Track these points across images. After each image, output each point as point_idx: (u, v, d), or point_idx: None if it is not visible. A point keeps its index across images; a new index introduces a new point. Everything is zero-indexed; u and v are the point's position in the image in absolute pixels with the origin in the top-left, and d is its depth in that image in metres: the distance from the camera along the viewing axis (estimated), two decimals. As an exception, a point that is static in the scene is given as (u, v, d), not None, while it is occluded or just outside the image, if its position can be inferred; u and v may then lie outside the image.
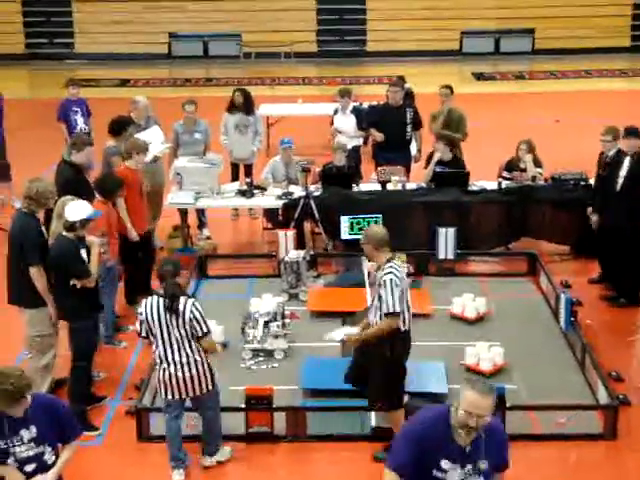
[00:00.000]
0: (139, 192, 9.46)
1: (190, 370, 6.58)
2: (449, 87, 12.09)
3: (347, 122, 12.30)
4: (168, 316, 6.50)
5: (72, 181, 8.57)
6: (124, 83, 21.51)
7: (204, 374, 6.66)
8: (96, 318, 7.65)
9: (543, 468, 6.82)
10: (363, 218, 10.36)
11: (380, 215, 10.37)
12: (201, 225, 11.60)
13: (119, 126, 10.28)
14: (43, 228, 7.53)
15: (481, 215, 10.84)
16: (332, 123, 12.65)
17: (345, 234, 10.45)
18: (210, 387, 6.74)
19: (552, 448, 7.12)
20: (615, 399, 7.33)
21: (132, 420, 7.37)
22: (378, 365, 6.76)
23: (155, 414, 7.35)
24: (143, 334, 6.66)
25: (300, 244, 10.45)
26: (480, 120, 14.27)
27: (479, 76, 21.91)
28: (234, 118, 11.92)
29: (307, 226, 10.84)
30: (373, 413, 7.34)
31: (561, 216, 10.74)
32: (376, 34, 23.82)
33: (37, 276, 7.35)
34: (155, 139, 10.78)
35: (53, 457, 5.09)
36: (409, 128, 11.57)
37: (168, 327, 6.52)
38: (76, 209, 7.26)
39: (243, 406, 7.26)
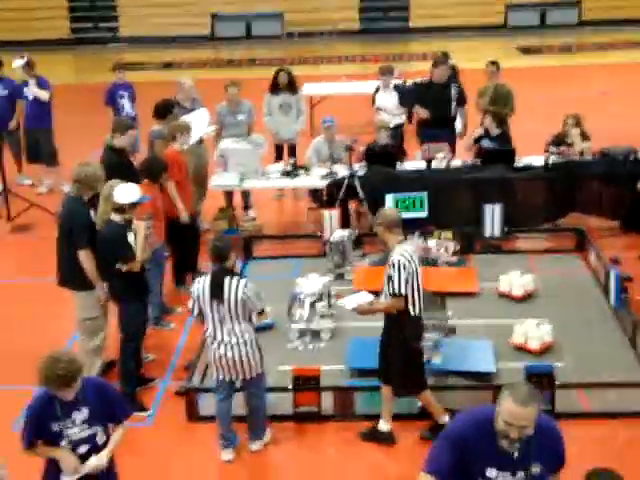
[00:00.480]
0: (185, 174, 9.54)
1: (240, 351, 6.63)
2: (495, 63, 11.95)
3: (389, 100, 12.23)
4: (215, 299, 6.56)
5: (116, 165, 8.64)
6: (168, 66, 21.62)
7: (253, 357, 6.70)
8: (145, 301, 7.72)
9: (593, 447, 6.74)
10: (408, 197, 10.32)
11: (425, 193, 10.32)
12: (246, 206, 11.64)
13: (164, 109, 10.35)
14: (92, 212, 7.61)
15: (528, 192, 10.71)
16: (374, 101, 12.58)
17: (390, 213, 10.39)
18: (259, 371, 6.79)
19: (601, 426, 7.04)
20: (667, 376, 7.22)
21: (182, 401, 7.44)
22: (395, 350, 6.78)
23: (204, 394, 7.42)
24: (195, 312, 6.72)
25: (345, 223, 10.43)
26: (526, 95, 14.07)
27: (525, 50, 21.62)
28: (277, 98, 11.91)
29: (352, 205, 10.81)
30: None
31: (610, 191, 10.57)
32: (419, 10, 23.64)
33: (86, 259, 7.44)
34: (201, 121, 10.85)
35: (104, 438, 5.17)
36: (454, 105, 11.46)
37: (218, 307, 6.58)
38: (125, 192, 7.33)
39: (291, 386, 7.29)
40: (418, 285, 6.66)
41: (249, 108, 11.60)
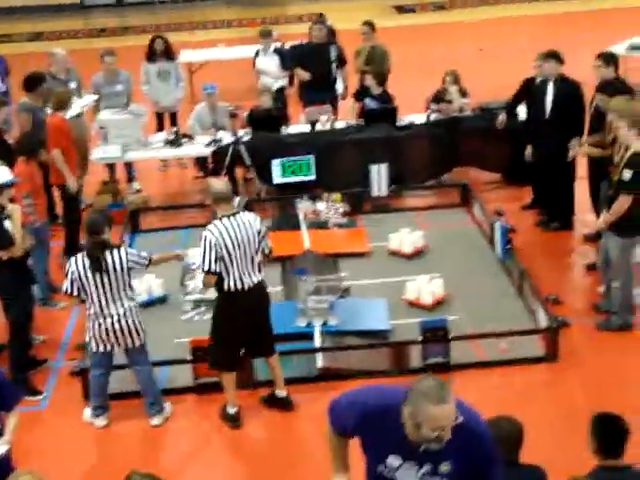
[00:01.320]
0: (71, 142, 9.35)
1: (127, 320, 6.59)
2: (370, 24, 11.97)
3: (270, 63, 12.14)
4: (97, 273, 6.45)
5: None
6: (38, 37, 20.83)
7: (139, 325, 6.69)
8: (29, 289, 7.45)
9: (491, 394, 6.92)
10: (294, 161, 10.30)
11: (311, 156, 10.31)
12: (130, 179, 11.38)
13: (33, 82, 9.99)
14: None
15: (412, 149, 10.82)
16: (254, 65, 12.45)
17: (277, 178, 10.38)
18: (143, 341, 6.76)
19: (497, 374, 7.24)
20: (554, 321, 7.47)
21: (77, 381, 7.25)
22: (211, 324, 6.81)
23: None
24: (75, 293, 6.57)
25: (233, 191, 10.30)
26: (404, 54, 14.20)
27: (399, 9, 21.78)
28: (155, 66, 11.65)
29: (239, 172, 10.71)
30: (320, 355, 7.38)
31: (490, 144, 10.76)
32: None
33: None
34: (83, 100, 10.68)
35: None
36: (334, 66, 11.46)
37: (103, 281, 6.47)
38: None
39: (189, 358, 7.20)
40: (232, 259, 6.41)
41: (127, 77, 11.32)
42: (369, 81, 11.10)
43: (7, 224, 7.08)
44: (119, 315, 6.57)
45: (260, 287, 6.62)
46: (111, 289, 6.53)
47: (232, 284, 6.48)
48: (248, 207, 10.05)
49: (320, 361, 7.34)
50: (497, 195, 10.57)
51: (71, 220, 9.40)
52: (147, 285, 8.53)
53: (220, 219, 6.44)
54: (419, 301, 8.18)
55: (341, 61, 11.59)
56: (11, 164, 8.14)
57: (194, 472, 6.38)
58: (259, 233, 6.53)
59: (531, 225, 9.82)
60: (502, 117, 10.35)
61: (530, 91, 9.79)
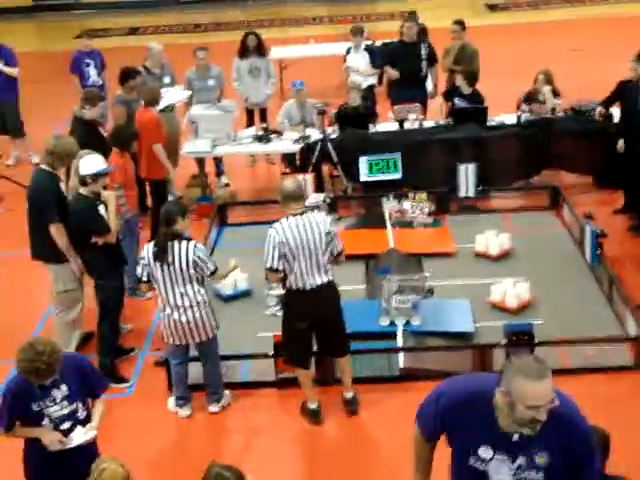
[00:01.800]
0: (164, 136, 9.61)
1: (194, 314, 6.67)
2: (460, 22, 11.87)
3: (360, 60, 12.13)
4: (161, 263, 6.58)
5: (86, 138, 8.50)
6: (133, 31, 21.28)
7: (208, 319, 6.75)
8: (121, 273, 7.64)
9: (576, 402, 6.78)
10: (382, 159, 10.27)
11: (399, 154, 10.27)
12: (219, 173, 11.53)
13: (127, 75, 10.25)
14: (62, 185, 7.49)
15: (501, 150, 10.68)
16: (345, 62, 12.47)
17: (364, 175, 10.37)
18: (212, 334, 6.84)
19: (583, 382, 7.09)
20: (644, 330, 7.28)
21: (161, 370, 7.39)
22: (282, 322, 6.81)
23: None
24: (144, 278, 6.73)
25: (319, 187, 10.38)
26: (496, 53, 14.03)
27: (492, 7, 21.50)
28: (246, 62, 11.77)
29: (325, 169, 10.74)
30: (401, 355, 7.35)
31: (582, 147, 10.56)
32: (386, -31, 23.37)
33: (57, 233, 7.33)
34: (176, 94, 10.88)
35: (85, 412, 5.12)
36: (424, 64, 11.38)
37: (169, 271, 6.59)
38: (87, 163, 7.21)
39: (271, 353, 7.26)
40: (295, 258, 6.39)
41: (218, 72, 11.48)
42: (459, 81, 11.01)
43: (103, 210, 7.27)
44: (184, 307, 6.65)
45: (326, 288, 6.54)
46: (176, 280, 6.61)
47: (295, 283, 6.50)
48: (334, 204, 10.12)
49: (402, 361, 7.31)
50: (587, 199, 10.36)
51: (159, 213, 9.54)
52: (232, 279, 8.63)
53: (287, 217, 6.46)
54: (504, 304, 8.07)
55: (431, 60, 11.50)
56: (105, 156, 8.34)
57: (271, 466, 6.41)
58: (328, 234, 6.47)
59: (622, 230, 9.59)
60: (600, 109, 10.08)
61: (624, 93, 9.56)
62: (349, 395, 6.94)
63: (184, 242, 6.63)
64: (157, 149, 9.40)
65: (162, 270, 6.61)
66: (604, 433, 4.50)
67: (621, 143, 9.60)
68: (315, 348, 6.88)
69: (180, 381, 7.01)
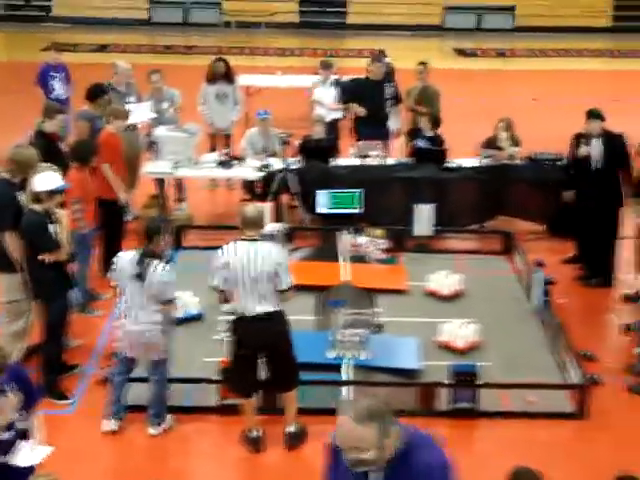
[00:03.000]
0: (120, 156, 9.51)
1: (150, 332, 6.69)
2: (424, 63, 12.08)
3: (327, 94, 12.26)
4: (137, 278, 6.64)
5: (45, 150, 8.45)
6: (102, 48, 21.27)
7: (160, 340, 6.76)
8: (68, 290, 7.57)
9: (513, 446, 6.87)
10: (341, 192, 10.35)
11: (358, 190, 10.37)
12: (180, 199, 11.50)
13: (95, 92, 10.26)
14: (21, 195, 7.44)
15: (458, 192, 10.85)
16: (311, 95, 12.59)
17: (322, 208, 10.43)
18: (163, 356, 6.85)
19: (523, 426, 7.18)
20: (586, 379, 7.39)
21: (105, 388, 7.33)
22: None
23: (129, 383, 7.34)
24: (113, 283, 6.81)
25: (277, 217, 10.42)
26: (461, 97, 14.26)
27: (460, 52, 21.88)
28: (214, 88, 11.84)
29: (285, 199, 10.80)
30: (345, 388, 7.38)
31: (537, 195, 10.77)
32: (358, 6, 23.72)
33: (9, 242, 7.28)
34: (141, 112, 10.86)
35: (24, 424, 5.06)
36: (389, 103, 11.55)
37: (137, 285, 6.65)
38: (43, 180, 7.17)
39: (216, 378, 7.25)
40: (238, 283, 6.43)
41: (172, 95, 11.49)
42: (423, 123, 11.16)
43: (52, 228, 7.22)
44: (142, 322, 6.69)
45: (268, 318, 6.50)
46: (142, 296, 6.66)
47: (237, 308, 6.55)
48: (291, 234, 10.16)
49: (346, 394, 7.34)
50: (539, 246, 10.52)
51: (112, 231, 9.49)
52: (183, 302, 8.61)
53: (236, 241, 6.52)
54: (452, 344, 8.16)
55: (396, 99, 11.68)
56: (64, 170, 8.32)
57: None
58: (278, 264, 6.45)
59: (571, 279, 9.77)
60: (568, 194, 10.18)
61: (577, 146, 9.82)
62: (290, 429, 6.93)
63: (157, 261, 6.67)
64: (104, 169, 9.29)
65: (131, 282, 6.65)
66: (538, 477, 4.56)
67: (567, 194, 9.85)
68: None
69: (116, 393, 6.98)
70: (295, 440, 6.91)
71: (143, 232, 6.79)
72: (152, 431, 6.99)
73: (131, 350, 6.82)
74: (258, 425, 6.88)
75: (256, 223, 6.58)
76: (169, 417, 7.10)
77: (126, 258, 6.74)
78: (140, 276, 6.63)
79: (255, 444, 6.83)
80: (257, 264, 6.40)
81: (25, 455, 4.98)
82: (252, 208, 6.76)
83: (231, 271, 6.44)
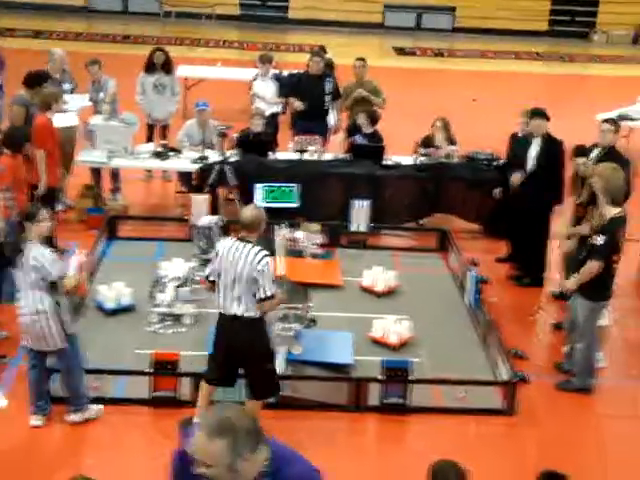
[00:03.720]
0: (56, 143, 9.36)
1: (36, 322, 6.54)
2: (362, 59, 12.11)
3: (267, 88, 12.22)
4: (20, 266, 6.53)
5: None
6: (38, 35, 20.86)
7: (50, 329, 6.56)
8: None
9: (444, 440, 6.95)
10: (278, 186, 10.33)
11: (295, 184, 10.36)
12: (115, 189, 11.35)
13: (36, 79, 10.03)
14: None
15: (395, 189, 10.91)
16: (251, 88, 12.54)
17: (259, 201, 10.39)
18: (60, 346, 6.65)
19: (453, 421, 7.27)
20: (514, 376, 7.51)
21: (32, 380, 7.20)
22: None
23: (55, 375, 7.23)
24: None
25: (213, 210, 10.36)
26: (399, 95, 14.34)
27: (400, 50, 22.01)
28: (152, 78, 11.71)
29: (221, 192, 10.74)
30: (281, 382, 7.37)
31: (473, 195, 10.89)
32: (299, 1, 23.68)
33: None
34: (77, 102, 10.74)
35: None
36: (328, 98, 11.57)
37: (21, 274, 6.54)
38: None
39: (149, 370, 7.18)
40: (221, 278, 6.43)
41: (108, 85, 11.32)
42: (361, 119, 11.18)
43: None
44: (27, 313, 6.55)
45: (238, 321, 6.43)
46: (24, 284, 6.54)
47: (218, 302, 6.54)
48: (227, 227, 10.11)
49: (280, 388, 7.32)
50: (474, 245, 10.66)
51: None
52: (116, 293, 8.52)
53: (232, 238, 6.56)
54: (385, 340, 8.21)
55: (335, 94, 11.69)
56: (-5, 157, 8.17)
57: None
58: (258, 272, 6.32)
59: (503, 278, 9.91)
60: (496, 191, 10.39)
61: (513, 146, 9.96)
62: None
63: (32, 247, 6.49)
64: (39, 155, 9.12)
65: (17, 272, 6.56)
66: (462, 470, 4.62)
67: (496, 190, 10.10)
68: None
69: (33, 387, 6.84)
70: None
71: (23, 218, 6.68)
72: (71, 417, 6.86)
73: (28, 341, 6.67)
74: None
75: (251, 225, 6.47)
76: (95, 408, 6.97)
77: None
78: (18, 265, 6.52)
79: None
80: (239, 266, 6.33)
81: None
82: (250, 211, 6.65)
83: (217, 265, 6.44)
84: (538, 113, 9.46)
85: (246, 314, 6.42)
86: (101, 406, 7.03)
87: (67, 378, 6.83)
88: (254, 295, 6.36)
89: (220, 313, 6.56)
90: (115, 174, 11.25)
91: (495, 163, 10.93)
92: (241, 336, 6.49)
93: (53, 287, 6.56)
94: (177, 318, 8.39)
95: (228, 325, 6.50)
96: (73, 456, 6.57)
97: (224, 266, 6.39)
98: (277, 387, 6.84)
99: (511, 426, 7.31)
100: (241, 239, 6.45)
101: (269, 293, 6.38)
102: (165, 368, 7.17)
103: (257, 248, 6.41)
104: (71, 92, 11.11)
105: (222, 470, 3.24)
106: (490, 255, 10.32)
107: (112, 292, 8.52)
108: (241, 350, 6.54)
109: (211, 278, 6.55)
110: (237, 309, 6.42)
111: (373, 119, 11.31)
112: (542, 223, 9.48)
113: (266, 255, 6.38)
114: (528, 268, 9.82)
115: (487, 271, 9.75)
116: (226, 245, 6.46)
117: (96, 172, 11.00)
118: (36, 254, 6.45)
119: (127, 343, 7.94)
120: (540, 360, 8.34)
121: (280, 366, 7.53)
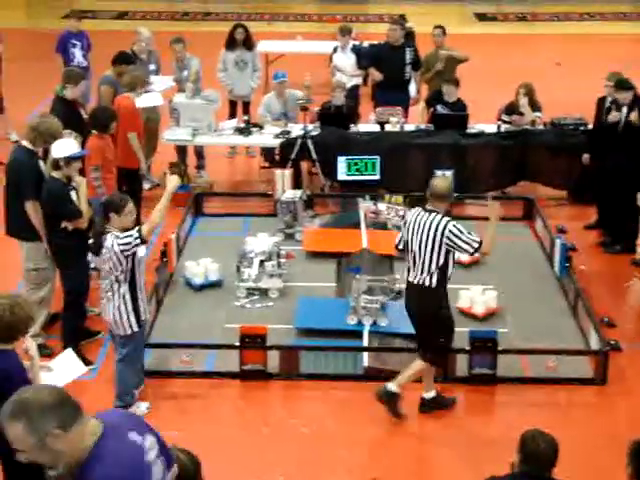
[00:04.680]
0: (142, 124, 9.55)
1: (112, 307, 6.54)
2: (441, 27, 11.95)
3: (347, 60, 12.17)
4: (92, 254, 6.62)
5: (65, 117, 8.47)
6: (122, 16, 21.19)
7: (121, 316, 6.55)
8: (88, 260, 7.61)
9: (533, 411, 6.90)
10: (361, 159, 10.32)
11: (377, 156, 10.33)
12: (199, 166, 11.51)
13: (122, 60, 10.22)
14: (42, 163, 7.48)
15: (479, 158, 10.78)
16: (331, 61, 12.52)
17: (342, 174, 10.41)
18: (128, 332, 6.62)
19: (543, 392, 7.20)
20: (606, 344, 7.38)
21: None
22: None
23: (148, 350, 7.42)
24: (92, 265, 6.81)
25: (297, 184, 10.41)
26: (481, 62, 14.12)
27: (481, 16, 21.63)
28: (233, 54, 11.78)
29: (304, 166, 10.80)
30: (365, 354, 7.41)
31: (559, 161, 10.68)
32: (378, -29, 23.43)
33: (32, 211, 7.32)
34: (163, 83, 10.90)
35: None
36: (408, 68, 11.45)
37: (99, 262, 6.58)
38: (60, 147, 7.20)
39: (237, 344, 7.30)
40: (406, 247, 6.63)
41: (192, 63, 11.43)
42: (445, 87, 11.03)
43: (74, 195, 7.26)
44: (107, 298, 6.55)
45: (415, 289, 6.60)
46: (102, 271, 6.57)
47: (406, 269, 6.70)
48: (310, 201, 10.16)
49: (366, 360, 7.37)
50: (561, 212, 10.48)
51: (131, 199, 9.48)
52: (204, 269, 8.67)
53: (419, 207, 6.63)
54: (471, 310, 8.16)
55: (416, 64, 11.57)
56: (84, 137, 8.35)
57: (230, 455, 6.45)
58: (451, 239, 6.40)
59: (593, 245, 9.71)
60: (586, 157, 10.17)
61: (601, 110, 9.71)
62: (390, 387, 6.79)
63: (113, 235, 6.40)
64: (132, 138, 9.34)
65: (97, 259, 6.59)
66: (553, 441, 4.57)
67: (585, 156, 9.84)
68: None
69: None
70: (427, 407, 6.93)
71: (103, 210, 6.63)
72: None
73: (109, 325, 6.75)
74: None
75: (443, 196, 6.58)
76: (140, 405, 6.92)
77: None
78: (96, 252, 6.53)
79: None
80: (423, 235, 6.46)
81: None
82: (443, 181, 6.94)
83: (405, 234, 6.61)
84: (623, 85, 9.25)
85: (424, 283, 6.54)
86: (148, 403, 6.98)
87: (120, 367, 6.78)
88: (437, 264, 6.46)
89: (407, 281, 6.68)
90: (199, 151, 11.41)
91: (582, 128, 10.69)
92: (418, 302, 6.68)
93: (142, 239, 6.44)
94: (264, 292, 8.50)
95: (408, 293, 6.73)
96: (162, 430, 6.70)
97: (409, 235, 6.54)
98: (443, 362, 7.00)
99: (602, 395, 7.19)
100: (428, 210, 6.54)
101: (475, 245, 6.52)
102: (253, 341, 7.28)
103: (445, 219, 6.48)
104: (156, 73, 11.27)
105: (35, 452, 3.19)
106: (578, 222, 10.13)
107: (200, 268, 8.67)
108: (416, 317, 6.76)
109: (400, 247, 6.73)
110: (417, 278, 6.55)
111: (455, 85, 11.09)
112: (633, 188, 9.23)
113: (450, 221, 6.48)
114: (618, 235, 9.60)
115: (575, 239, 9.56)
116: (414, 214, 6.60)
117: (181, 150, 11.17)
118: (114, 240, 6.36)
119: (216, 318, 8.09)
120: (631, 329, 8.17)
121: (365, 337, 7.57)
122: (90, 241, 6.60)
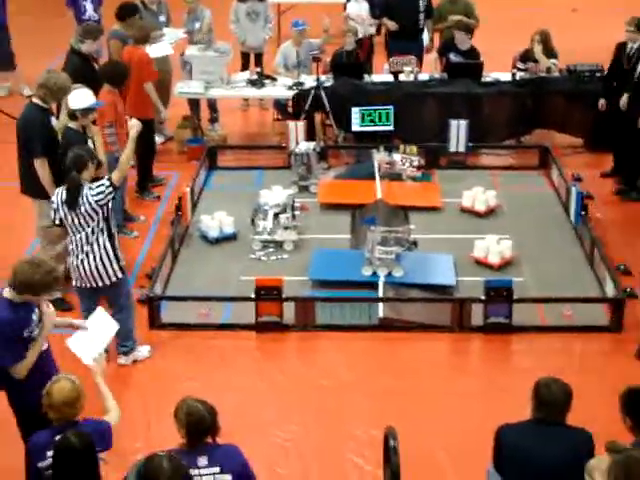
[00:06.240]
0: (156, 76, 9.56)
1: (93, 260, 6.53)
2: None
3: (360, 10, 12.02)
4: (67, 208, 6.46)
5: (79, 71, 8.45)
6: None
7: (105, 266, 6.57)
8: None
9: (549, 358, 6.91)
10: (374, 109, 10.24)
11: (391, 106, 10.25)
12: (213, 119, 11.45)
13: (126, 11, 10.11)
14: (53, 119, 7.45)
15: (494, 107, 10.66)
16: (345, 10, 12.36)
17: (356, 125, 10.33)
18: (114, 279, 6.65)
19: (558, 339, 7.21)
20: (622, 292, 7.37)
21: (143, 308, 7.45)
22: None
23: (166, 302, 7.47)
24: (57, 222, 6.63)
25: (310, 135, 10.35)
26: (496, 9, 13.93)
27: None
28: (245, 6, 11.64)
29: (317, 117, 10.72)
30: (381, 305, 7.43)
31: (575, 107, 10.56)
32: None
33: (41, 168, 7.28)
34: (173, 35, 10.83)
35: None
36: (422, 17, 11.30)
37: (72, 217, 6.48)
38: (78, 97, 7.19)
39: (253, 296, 7.34)
40: None
41: (203, 15, 11.30)
42: (456, 34, 10.89)
43: (91, 145, 7.27)
44: (85, 252, 6.52)
45: None
46: (78, 225, 6.49)
47: None
48: (324, 153, 10.12)
49: (381, 311, 7.40)
50: (577, 160, 10.38)
51: (146, 152, 9.50)
52: (218, 222, 8.68)
53: None
54: (486, 260, 8.15)
55: (429, 12, 11.41)
56: (96, 92, 8.31)
57: (246, 404, 6.52)
58: None
59: (609, 193, 9.64)
60: (602, 102, 10.03)
61: (620, 55, 9.57)
62: None
63: (87, 187, 6.40)
64: (148, 88, 9.34)
65: (69, 214, 6.46)
66: (567, 387, 4.59)
67: (601, 102, 9.74)
68: None
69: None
70: None
71: (72, 163, 6.46)
72: (120, 361, 6.96)
73: (84, 281, 6.67)
74: None
75: None
76: (143, 349, 7.05)
77: (59, 193, 6.54)
78: (72, 207, 6.42)
79: None
80: None
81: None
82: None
83: None
84: (641, 28, 9.11)
85: None
86: (149, 347, 7.09)
87: (120, 317, 6.60)
88: None
89: None
90: (212, 104, 11.35)
91: (599, 75, 10.54)
92: None
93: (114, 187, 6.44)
94: (279, 245, 8.51)
95: None
96: (178, 382, 6.77)
97: None
98: None
99: (618, 343, 7.19)
100: None
101: None
102: (269, 294, 7.31)
103: None
104: (166, 25, 11.17)
105: None
106: (594, 170, 10.05)
107: (215, 221, 8.69)
108: None
109: None
110: None
111: (468, 31, 10.94)
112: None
113: None
114: (635, 181, 9.52)
115: (591, 187, 9.50)
116: None
117: (194, 103, 11.11)
118: (89, 191, 6.37)
119: (232, 270, 8.12)
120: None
121: (381, 288, 7.58)
122: (64, 195, 6.49)
